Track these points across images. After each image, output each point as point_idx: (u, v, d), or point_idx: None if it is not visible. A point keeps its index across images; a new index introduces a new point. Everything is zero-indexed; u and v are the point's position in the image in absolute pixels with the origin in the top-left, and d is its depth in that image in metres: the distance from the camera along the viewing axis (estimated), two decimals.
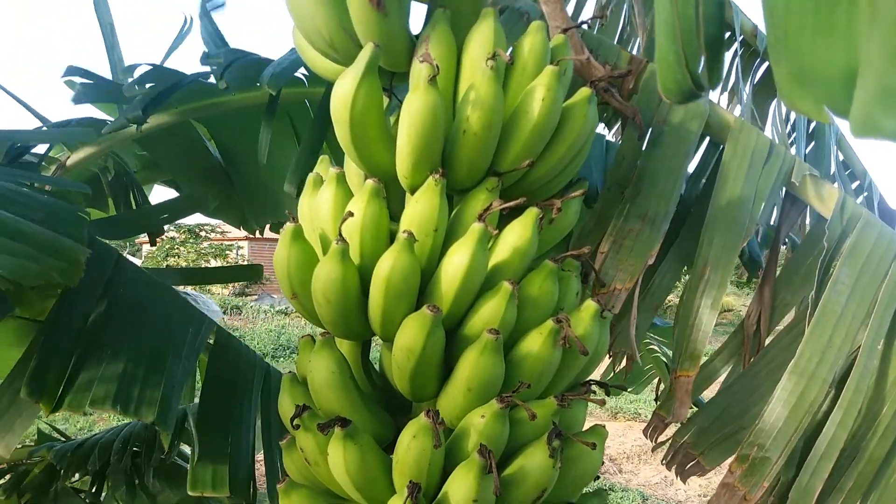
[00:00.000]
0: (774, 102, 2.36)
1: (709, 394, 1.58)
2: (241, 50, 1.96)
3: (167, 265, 18.76)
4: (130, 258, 1.97)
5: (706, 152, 1.67)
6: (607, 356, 1.41)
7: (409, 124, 1.09)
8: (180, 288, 2.73)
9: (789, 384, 1.31)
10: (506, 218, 1.19)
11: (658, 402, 1.46)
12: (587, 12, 2.85)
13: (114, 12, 2.44)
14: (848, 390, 1.31)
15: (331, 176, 1.24)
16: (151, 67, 1.98)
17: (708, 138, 1.63)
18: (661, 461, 1.48)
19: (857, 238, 1.41)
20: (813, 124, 2.31)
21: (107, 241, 1.86)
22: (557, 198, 1.20)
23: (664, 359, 3.08)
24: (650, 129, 1.47)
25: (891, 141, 0.49)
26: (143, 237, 2.64)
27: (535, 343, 1.09)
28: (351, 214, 1.10)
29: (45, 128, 2.15)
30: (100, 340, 1.48)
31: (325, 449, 1.08)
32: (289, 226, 1.15)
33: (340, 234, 1.08)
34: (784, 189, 1.54)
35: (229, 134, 2.58)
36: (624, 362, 1.60)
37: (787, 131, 2.35)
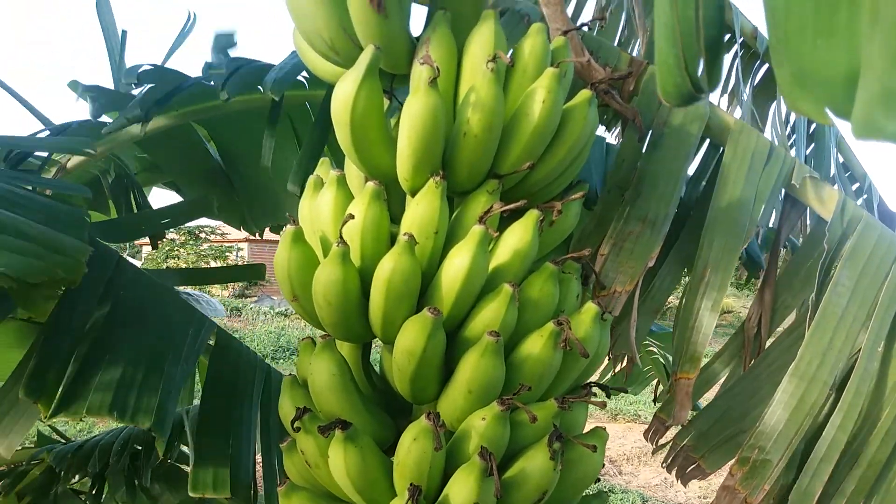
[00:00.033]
0: (774, 104, 2.36)
1: (709, 396, 1.58)
2: (243, 58, 1.97)
3: (167, 267, 18.76)
4: (130, 260, 1.97)
5: (706, 154, 1.67)
6: (607, 358, 1.41)
7: (410, 126, 1.09)
8: (182, 288, 2.73)
9: (790, 386, 1.30)
10: (506, 220, 1.19)
11: (656, 403, 1.46)
12: (587, 14, 2.85)
13: (114, 12, 2.44)
14: (848, 393, 1.31)
15: (331, 178, 1.24)
16: (152, 67, 1.99)
17: (708, 140, 1.63)
18: (662, 464, 1.48)
19: (858, 240, 1.41)
20: (813, 126, 2.31)
21: (107, 244, 1.86)
22: (558, 200, 1.20)
23: (662, 360, 3.08)
24: (650, 132, 1.47)
25: (892, 143, 0.49)
26: (144, 239, 2.64)
27: (535, 345, 1.09)
28: (352, 217, 1.10)
29: (47, 130, 2.15)
30: (99, 344, 1.48)
31: (325, 451, 1.08)
32: (289, 228, 1.15)
33: (341, 237, 1.08)
34: (784, 191, 1.54)
35: (230, 136, 2.58)
36: (624, 363, 1.60)
37: (787, 133, 2.35)
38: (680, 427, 1.46)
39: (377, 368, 1.33)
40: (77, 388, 1.38)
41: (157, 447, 1.65)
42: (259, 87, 1.93)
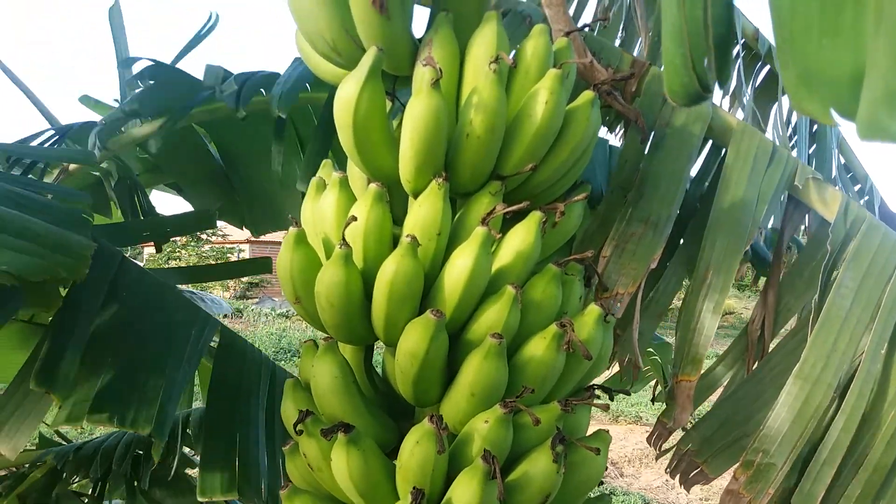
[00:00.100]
0: (775, 105, 2.36)
1: (712, 399, 1.57)
2: (248, 72, 1.98)
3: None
4: (132, 260, 1.97)
5: (709, 155, 1.67)
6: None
7: (413, 128, 1.09)
8: (186, 287, 2.73)
9: (794, 389, 1.30)
10: (509, 222, 1.19)
11: (654, 403, 1.46)
12: (587, 15, 2.85)
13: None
14: (851, 395, 1.30)
15: (334, 180, 1.23)
16: (154, 64, 1.99)
17: (710, 141, 1.62)
18: (666, 470, 1.47)
19: (861, 242, 1.40)
20: (815, 127, 2.31)
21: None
22: (560, 201, 1.19)
23: (661, 361, 3.08)
24: (653, 133, 1.46)
25: None
26: None
27: (538, 347, 1.08)
28: (354, 219, 1.10)
29: (51, 129, 2.16)
30: (101, 345, 1.48)
31: (328, 454, 1.08)
32: (292, 230, 1.15)
33: (344, 239, 1.08)
34: (787, 192, 1.53)
35: (230, 138, 2.58)
36: (625, 363, 1.59)
37: (789, 134, 2.34)
38: (683, 432, 1.45)
39: (379, 371, 1.33)
40: (78, 394, 1.38)
41: (153, 453, 1.65)
42: (262, 89, 1.94)
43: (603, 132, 1.66)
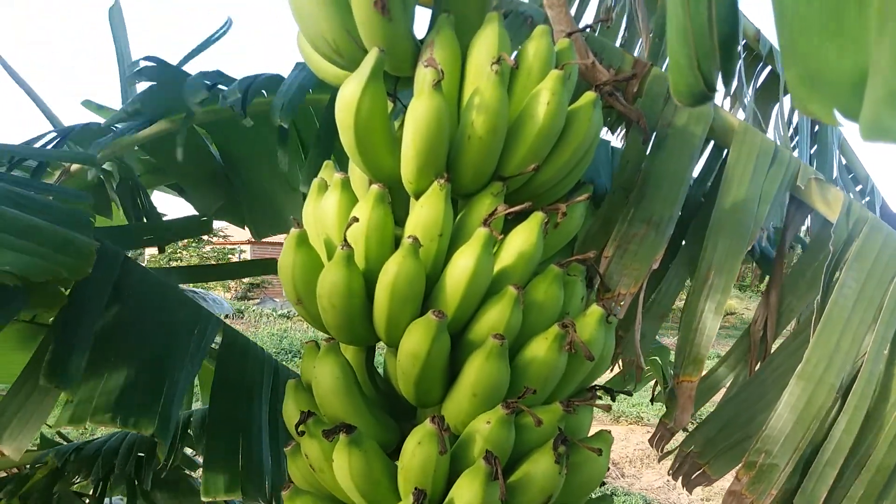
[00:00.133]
0: (777, 106, 2.36)
1: (715, 400, 1.57)
2: (251, 76, 1.98)
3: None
4: (134, 261, 1.97)
5: (710, 156, 1.67)
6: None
7: (414, 129, 1.09)
8: (188, 287, 2.73)
9: (797, 389, 1.30)
10: (511, 222, 1.19)
11: (653, 403, 1.46)
12: (588, 16, 2.85)
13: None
14: (854, 396, 1.30)
15: (335, 181, 1.23)
16: (156, 65, 1.99)
17: (712, 142, 1.62)
18: (668, 472, 1.47)
19: (864, 242, 1.40)
20: (816, 128, 2.31)
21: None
22: (562, 202, 1.19)
23: (660, 361, 3.07)
24: (654, 133, 1.46)
25: None
26: None
27: (540, 348, 1.08)
28: (356, 220, 1.10)
29: (54, 132, 2.17)
30: (104, 346, 1.48)
31: (330, 455, 1.08)
32: (294, 231, 1.15)
33: (345, 240, 1.08)
34: (789, 193, 1.53)
35: (230, 138, 2.58)
36: (624, 364, 1.59)
37: (790, 135, 2.34)
38: (686, 433, 1.45)
39: (381, 371, 1.33)
40: (81, 394, 1.38)
41: (158, 453, 1.65)
42: (264, 91, 1.94)
43: (605, 133, 1.66)
